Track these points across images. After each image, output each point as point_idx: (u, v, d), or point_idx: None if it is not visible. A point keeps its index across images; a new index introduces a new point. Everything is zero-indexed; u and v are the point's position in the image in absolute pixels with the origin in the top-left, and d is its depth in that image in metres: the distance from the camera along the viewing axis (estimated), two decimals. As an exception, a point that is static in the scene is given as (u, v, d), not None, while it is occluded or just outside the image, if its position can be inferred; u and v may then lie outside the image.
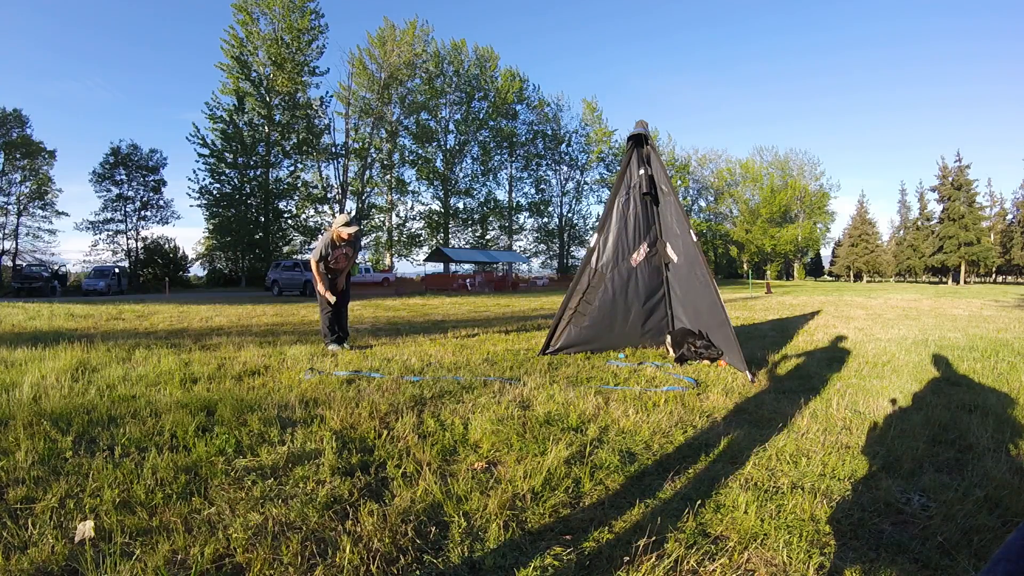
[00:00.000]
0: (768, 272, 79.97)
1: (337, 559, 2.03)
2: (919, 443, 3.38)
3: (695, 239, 6.11)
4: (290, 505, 2.44)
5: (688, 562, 2.07)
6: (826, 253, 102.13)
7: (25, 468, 2.77)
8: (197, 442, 3.17)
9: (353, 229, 7.23)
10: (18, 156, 45.04)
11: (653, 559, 2.07)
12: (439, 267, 51.61)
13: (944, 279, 75.37)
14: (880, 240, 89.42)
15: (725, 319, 5.82)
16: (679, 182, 73.46)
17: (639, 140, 6.64)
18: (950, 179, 71.62)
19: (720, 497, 2.63)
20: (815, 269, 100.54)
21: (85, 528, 2.22)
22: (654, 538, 2.22)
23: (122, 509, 2.38)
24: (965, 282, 70.93)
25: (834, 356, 6.76)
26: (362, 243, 7.43)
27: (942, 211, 73.74)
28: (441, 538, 2.23)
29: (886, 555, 2.13)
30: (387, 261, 57.37)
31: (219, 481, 2.69)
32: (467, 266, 52.83)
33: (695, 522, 2.38)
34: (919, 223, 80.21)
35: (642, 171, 6.60)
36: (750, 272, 57.26)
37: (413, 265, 58.92)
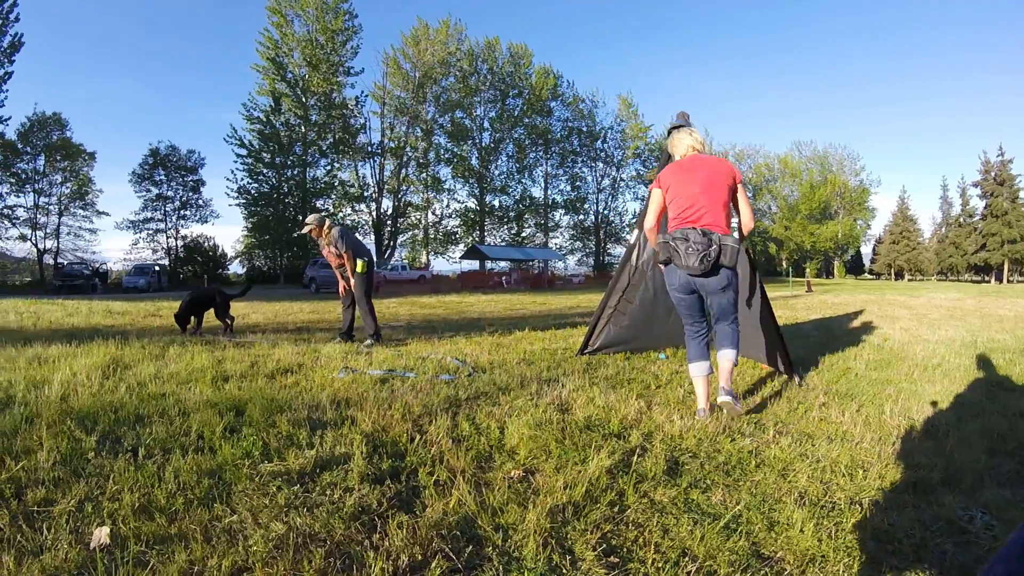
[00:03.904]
0: (808, 270, 78.36)
1: (362, 577, 1.88)
2: (978, 454, 3.17)
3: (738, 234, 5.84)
4: (315, 515, 2.29)
5: (743, 588, 1.88)
6: (866, 251, 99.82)
7: (46, 468, 2.68)
8: (224, 444, 3.06)
9: (304, 228, 7.53)
10: (58, 158, 46.24)
11: (706, 584, 1.88)
12: (475, 264, 51.69)
13: (987, 278, 72.75)
14: (921, 238, 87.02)
15: (771, 320, 5.55)
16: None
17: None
18: (992, 174, 69.13)
19: (773, 514, 2.43)
20: (855, 267, 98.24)
21: (101, 534, 2.11)
22: (705, 561, 2.03)
23: (140, 515, 2.27)
24: (1008, 281, 68.44)
25: (882, 358, 6.45)
26: (332, 235, 7.45)
27: (984, 207, 71.23)
28: (474, 556, 2.06)
29: (950, 578, 1.95)
30: (423, 259, 57.65)
31: (243, 486, 2.56)
32: (503, 263, 52.72)
33: (747, 542, 2.19)
34: (961, 220, 77.65)
35: (684, 164, 6.35)
36: (789, 270, 55.97)
37: (449, 262, 59.09)
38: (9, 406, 3.77)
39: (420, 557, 2.01)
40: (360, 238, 8.49)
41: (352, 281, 7.52)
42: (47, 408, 3.69)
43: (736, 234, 3.85)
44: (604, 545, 2.15)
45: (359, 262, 7.36)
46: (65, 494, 2.44)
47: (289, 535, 2.12)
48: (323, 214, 7.69)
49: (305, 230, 7.49)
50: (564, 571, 1.97)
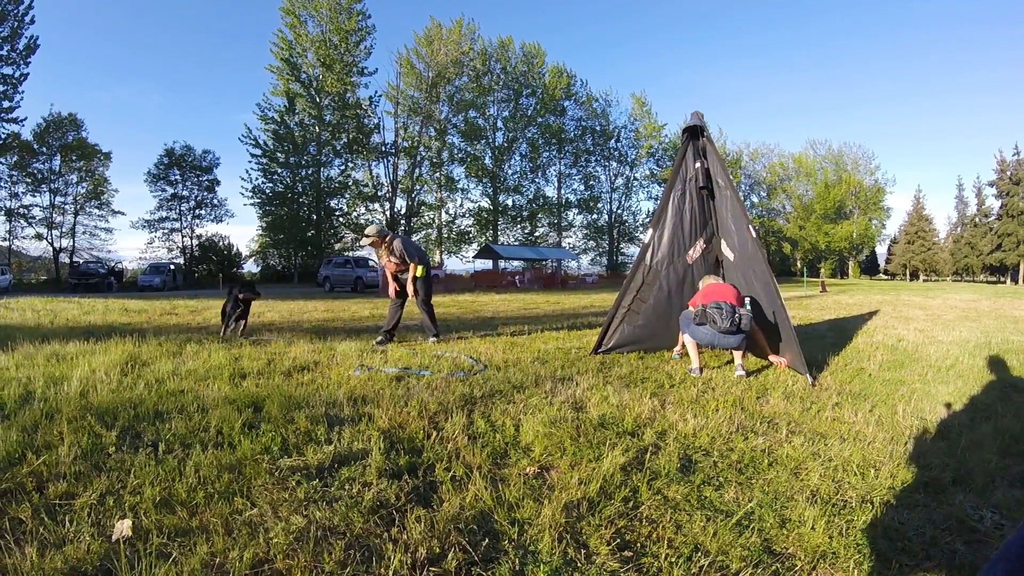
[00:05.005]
0: (822, 270, 77.60)
1: (381, 569, 1.91)
2: (990, 455, 3.16)
3: (754, 235, 5.82)
4: (334, 508, 2.33)
5: (755, 583, 1.89)
6: (881, 251, 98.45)
7: (67, 463, 2.73)
8: (243, 439, 3.10)
9: (364, 240, 7.71)
10: (74, 158, 46.44)
11: (719, 578, 1.89)
12: (488, 264, 51.63)
13: (1002, 278, 71.57)
14: (937, 238, 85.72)
15: (785, 320, 5.54)
16: (730, 177, 71.52)
17: (695, 132, 6.38)
18: (1008, 173, 67.92)
19: (785, 511, 2.44)
20: (870, 267, 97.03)
21: (123, 527, 2.14)
22: (717, 556, 2.05)
23: (162, 508, 2.31)
24: (1024, 282, 67.38)
25: (896, 359, 6.41)
26: (395, 246, 7.49)
27: (1000, 207, 70.02)
28: (491, 549, 2.08)
29: (960, 577, 1.96)
30: (437, 258, 57.70)
31: (263, 481, 2.60)
32: (516, 263, 52.65)
33: (759, 538, 2.21)
34: (977, 220, 76.34)
35: (698, 164, 6.34)
36: (804, 270, 55.58)
37: (463, 262, 58.90)
38: (29, 402, 3.83)
39: (438, 550, 2.04)
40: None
41: (410, 285, 7.60)
42: (67, 404, 3.74)
43: (747, 307, 5.62)
44: (618, 540, 2.17)
45: (420, 268, 7.48)
46: (87, 488, 2.48)
47: (309, 528, 2.15)
48: (382, 225, 7.70)
49: (365, 242, 7.63)
50: (579, 565, 1.99)
